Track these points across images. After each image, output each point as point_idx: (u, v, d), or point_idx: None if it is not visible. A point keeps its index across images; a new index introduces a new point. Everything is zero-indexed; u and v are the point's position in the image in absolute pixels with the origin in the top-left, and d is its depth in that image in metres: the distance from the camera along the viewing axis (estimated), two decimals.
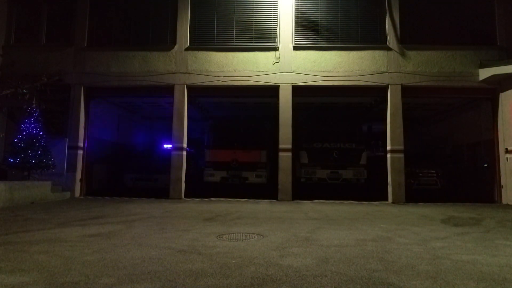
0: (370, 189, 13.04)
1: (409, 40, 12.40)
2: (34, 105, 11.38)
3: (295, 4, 12.61)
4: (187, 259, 4.03)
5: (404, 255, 4.31)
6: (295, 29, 12.55)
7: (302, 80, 12.28)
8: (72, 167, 12.35)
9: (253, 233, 5.70)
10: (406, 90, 12.21)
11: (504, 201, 11.75)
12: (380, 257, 4.18)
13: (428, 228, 6.38)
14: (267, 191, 12.76)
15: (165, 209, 9.18)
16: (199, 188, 13.21)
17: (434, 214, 8.47)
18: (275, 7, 12.64)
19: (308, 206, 10.19)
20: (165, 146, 17.69)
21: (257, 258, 4.11)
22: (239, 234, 5.66)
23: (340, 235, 5.65)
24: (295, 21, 12.57)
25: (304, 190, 12.68)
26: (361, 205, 10.65)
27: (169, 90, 12.56)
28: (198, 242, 4.99)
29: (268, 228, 6.19)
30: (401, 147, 12.02)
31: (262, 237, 5.42)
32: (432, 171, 14.11)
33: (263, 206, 10.10)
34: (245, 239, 5.26)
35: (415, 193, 12.65)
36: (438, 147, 16.93)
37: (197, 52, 12.60)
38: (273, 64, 12.37)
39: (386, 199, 12.02)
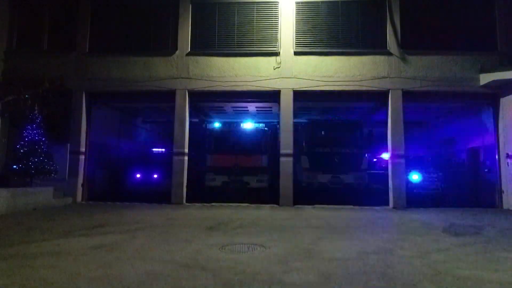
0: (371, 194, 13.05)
1: (410, 45, 12.38)
2: (36, 111, 11.39)
3: (296, 10, 12.62)
4: (191, 275, 4.07)
5: (406, 270, 4.33)
6: (296, 34, 12.55)
7: (303, 85, 12.29)
8: (74, 172, 12.37)
9: (255, 244, 5.73)
10: (407, 95, 12.21)
11: (504, 206, 11.75)
12: (382, 273, 4.21)
13: (430, 238, 6.39)
14: (268, 196, 12.77)
15: (166, 216, 9.20)
16: (200, 193, 13.21)
17: (435, 222, 8.48)
18: (276, 12, 12.65)
19: (309, 212, 10.22)
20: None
21: (260, 274, 4.14)
22: (241, 245, 5.69)
23: (342, 246, 5.68)
24: (296, 26, 12.57)
25: (305, 195, 12.67)
26: (362, 211, 10.66)
27: (170, 95, 12.57)
28: (201, 255, 5.02)
29: (270, 238, 6.22)
30: (402, 152, 12.04)
31: (264, 248, 5.45)
32: (434, 175, 14.14)
33: (264, 212, 10.13)
34: (247, 251, 5.30)
35: (416, 197, 12.65)
36: (439, 152, 16.94)
37: (199, 57, 12.61)
38: (274, 69, 12.38)
39: (387, 203, 12.02)
